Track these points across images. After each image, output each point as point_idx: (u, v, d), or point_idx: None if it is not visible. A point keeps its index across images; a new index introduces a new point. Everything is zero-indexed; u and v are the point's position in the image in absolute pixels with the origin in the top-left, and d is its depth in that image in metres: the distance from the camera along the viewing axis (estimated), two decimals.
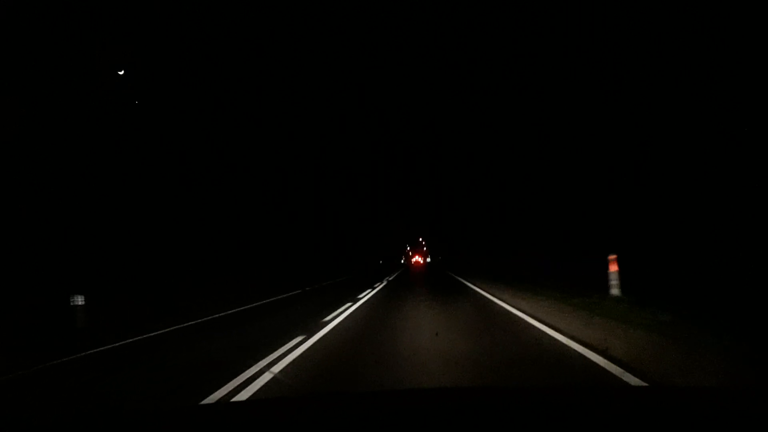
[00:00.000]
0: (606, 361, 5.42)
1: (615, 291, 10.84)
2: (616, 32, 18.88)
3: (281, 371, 5.46)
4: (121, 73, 20.88)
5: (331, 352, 6.54)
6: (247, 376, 5.16)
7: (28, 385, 5.52)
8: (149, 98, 24.72)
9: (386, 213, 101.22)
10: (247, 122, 35.66)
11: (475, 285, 18.66)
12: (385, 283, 22.90)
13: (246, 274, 25.41)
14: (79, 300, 9.69)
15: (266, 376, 5.21)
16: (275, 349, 6.57)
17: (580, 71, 22.55)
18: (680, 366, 5.10)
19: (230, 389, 4.75)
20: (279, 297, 16.24)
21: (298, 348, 6.76)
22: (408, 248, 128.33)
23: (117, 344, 7.70)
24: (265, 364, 5.74)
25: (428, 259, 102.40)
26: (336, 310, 10.93)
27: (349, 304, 12.26)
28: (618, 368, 5.07)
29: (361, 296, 14.87)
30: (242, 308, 12.97)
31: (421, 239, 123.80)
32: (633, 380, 4.66)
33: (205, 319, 10.72)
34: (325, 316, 9.86)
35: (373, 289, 18.47)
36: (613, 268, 10.95)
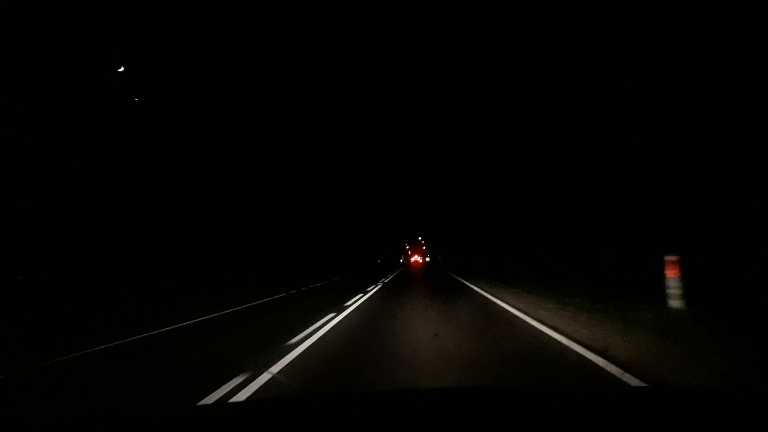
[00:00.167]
0: None
1: (676, 302, 8.65)
2: (616, 32, 18.88)
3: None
4: (121, 69, 20.87)
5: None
6: None
7: (29, 383, 5.52)
8: (149, 98, 24.72)
9: (386, 213, 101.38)
10: (247, 122, 35.67)
11: (484, 290, 16.03)
12: (380, 285, 20.86)
13: (244, 274, 25.40)
14: None
15: None
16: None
17: (580, 71, 22.55)
18: None
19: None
20: (256, 303, 14.17)
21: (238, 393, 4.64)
22: (407, 247, 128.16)
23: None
24: None
25: (427, 258, 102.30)
26: (311, 325, 8.84)
27: (331, 315, 10.28)
28: None
29: (348, 303, 12.81)
30: (194, 321, 10.36)
31: (420, 238, 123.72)
32: None
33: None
34: (294, 335, 7.68)
35: (366, 293, 16.31)
36: (673, 272, 8.80)
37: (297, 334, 7.81)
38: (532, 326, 8.16)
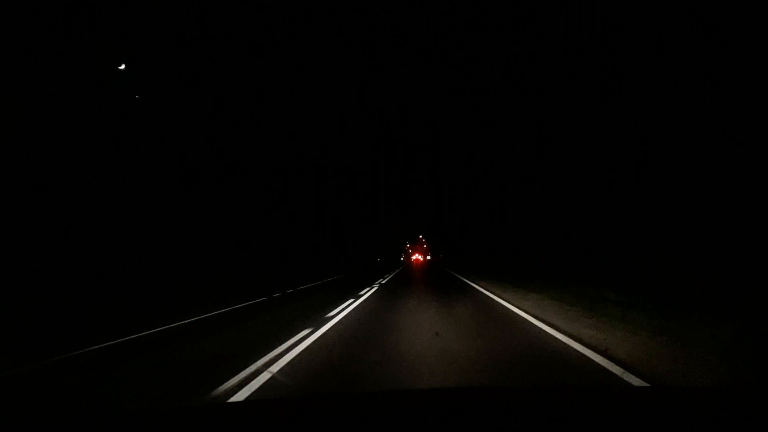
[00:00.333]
0: None
1: None
2: (616, 32, 18.88)
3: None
4: (122, 68, 20.86)
5: None
6: None
7: (29, 383, 5.52)
8: (149, 98, 24.72)
9: (386, 213, 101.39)
10: (247, 122, 35.67)
11: (497, 295, 13.83)
12: (375, 287, 18.49)
13: (241, 274, 25.38)
14: None
15: None
16: None
17: (580, 71, 22.55)
18: None
19: None
20: (222, 311, 11.75)
21: None
22: (407, 245, 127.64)
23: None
24: None
25: (428, 257, 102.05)
26: (275, 348, 6.63)
27: (307, 332, 7.95)
28: None
29: (332, 314, 10.34)
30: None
31: (421, 236, 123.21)
32: None
33: None
34: (235, 374, 5.29)
35: (357, 298, 14.03)
36: None
37: (237, 373, 5.33)
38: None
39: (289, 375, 5.31)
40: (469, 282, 20.65)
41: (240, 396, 4.59)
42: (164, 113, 25.83)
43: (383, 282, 22.61)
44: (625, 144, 19.18)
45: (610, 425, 1.49)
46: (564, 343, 6.67)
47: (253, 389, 4.77)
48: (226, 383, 4.94)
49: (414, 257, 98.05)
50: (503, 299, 12.84)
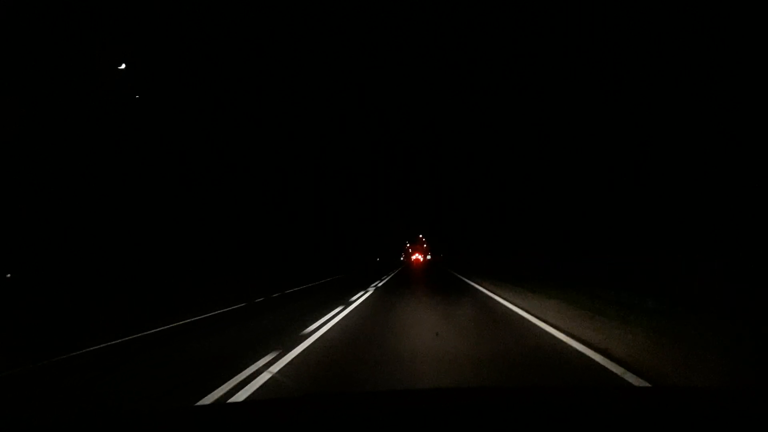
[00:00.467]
0: None
1: None
2: (616, 32, 18.88)
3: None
4: (122, 67, 20.86)
5: None
6: None
7: (29, 383, 5.52)
8: (149, 98, 24.72)
9: (386, 213, 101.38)
10: (247, 122, 35.68)
11: (511, 302, 11.93)
12: (371, 291, 16.48)
13: (241, 274, 25.34)
14: None
15: None
16: None
17: (580, 71, 22.55)
18: None
19: None
20: (181, 323, 9.71)
21: None
22: (408, 245, 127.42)
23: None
24: None
25: (428, 257, 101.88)
26: (217, 388, 4.75)
27: (270, 357, 5.99)
28: None
29: (312, 328, 8.24)
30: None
31: (421, 236, 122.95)
32: None
33: None
34: None
35: (348, 305, 11.91)
36: None
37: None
38: None
39: None
40: (472, 282, 20.64)
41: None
42: (164, 113, 25.83)
43: (379, 285, 20.01)
44: (625, 144, 19.18)
45: (611, 425, 1.49)
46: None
47: None
48: None
49: (414, 257, 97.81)
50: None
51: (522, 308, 10.55)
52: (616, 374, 4.91)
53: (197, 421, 1.78)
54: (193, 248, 27.46)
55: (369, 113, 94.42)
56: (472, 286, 18.19)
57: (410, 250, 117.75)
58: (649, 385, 4.46)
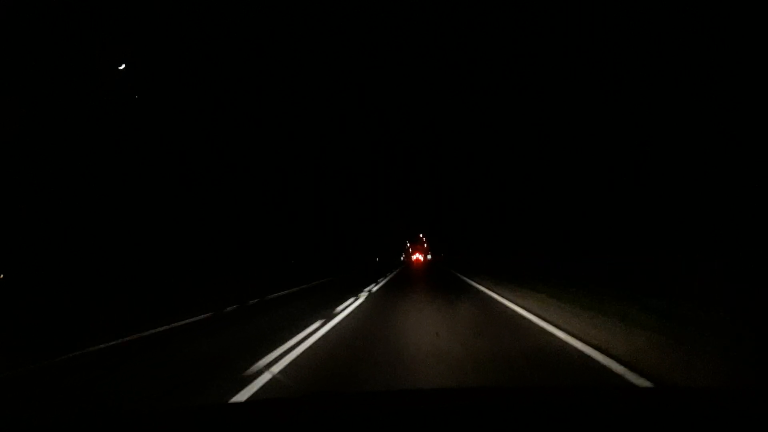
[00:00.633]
0: None
1: None
2: (616, 32, 18.88)
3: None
4: (122, 67, 20.86)
5: None
6: None
7: (29, 383, 5.52)
8: (149, 98, 24.72)
9: (386, 212, 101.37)
10: (247, 122, 35.67)
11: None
12: (365, 295, 14.69)
13: (240, 274, 25.33)
14: None
15: None
16: None
17: (580, 71, 22.55)
18: None
19: None
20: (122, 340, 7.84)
21: None
22: (408, 245, 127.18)
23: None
24: None
25: (429, 257, 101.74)
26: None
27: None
28: None
29: (278, 352, 6.22)
30: None
31: (421, 235, 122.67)
32: None
33: None
34: None
35: (335, 315, 9.82)
36: None
37: None
38: None
39: None
40: (472, 282, 20.64)
41: None
42: (164, 113, 25.83)
43: (374, 290, 17.25)
44: (625, 144, 19.18)
45: (612, 425, 1.48)
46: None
47: None
48: None
49: (414, 257, 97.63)
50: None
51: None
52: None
53: (197, 421, 1.78)
54: (193, 248, 27.46)
55: (369, 113, 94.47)
56: (473, 286, 18.19)
57: (410, 250, 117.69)
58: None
